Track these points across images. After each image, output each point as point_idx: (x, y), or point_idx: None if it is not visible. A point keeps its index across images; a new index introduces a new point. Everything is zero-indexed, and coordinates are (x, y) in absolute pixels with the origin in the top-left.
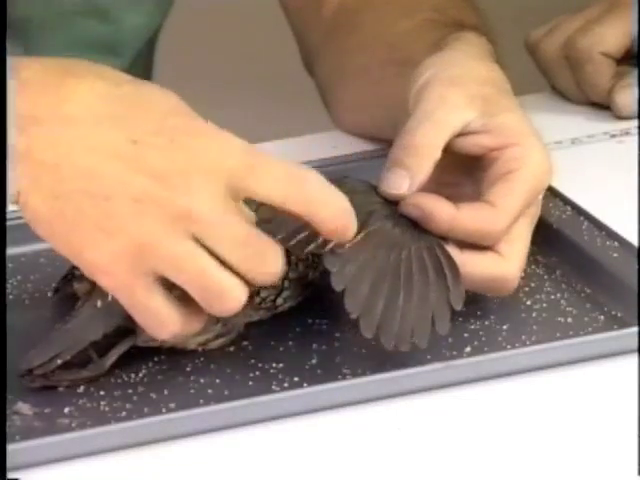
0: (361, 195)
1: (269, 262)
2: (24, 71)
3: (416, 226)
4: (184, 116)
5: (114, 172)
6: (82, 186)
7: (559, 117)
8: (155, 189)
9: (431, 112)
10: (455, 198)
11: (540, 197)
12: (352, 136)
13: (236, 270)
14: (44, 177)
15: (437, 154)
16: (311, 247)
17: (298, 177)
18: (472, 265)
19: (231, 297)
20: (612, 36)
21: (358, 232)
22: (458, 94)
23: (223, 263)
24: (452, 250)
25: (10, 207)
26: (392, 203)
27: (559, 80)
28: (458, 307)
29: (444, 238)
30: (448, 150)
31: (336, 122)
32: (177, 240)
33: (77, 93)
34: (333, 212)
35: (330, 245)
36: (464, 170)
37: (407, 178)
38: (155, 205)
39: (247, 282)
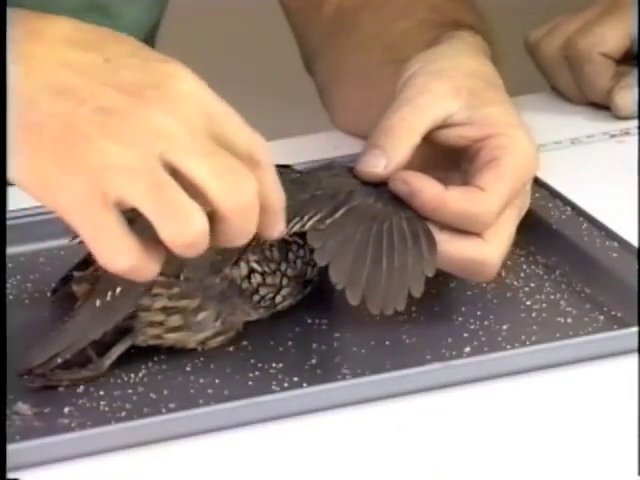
0: (343, 178)
1: (245, 184)
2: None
3: (397, 202)
4: (156, 52)
5: (82, 85)
6: (48, 100)
7: (559, 117)
8: (124, 101)
9: (412, 98)
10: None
11: (529, 190)
12: (353, 136)
13: (205, 189)
14: (10, 91)
15: (415, 138)
16: (295, 227)
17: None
18: (452, 244)
19: (189, 218)
20: (612, 37)
21: (339, 209)
22: (443, 84)
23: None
24: (432, 228)
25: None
26: (372, 184)
27: (559, 80)
28: (430, 274)
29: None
30: (433, 143)
31: (334, 122)
32: (140, 153)
33: (51, 21)
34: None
35: (311, 222)
36: (450, 164)
37: (383, 158)
38: (121, 115)
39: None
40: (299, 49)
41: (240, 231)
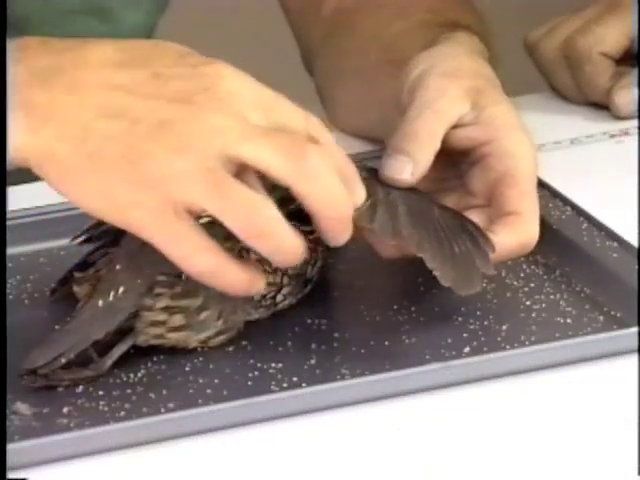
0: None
1: (313, 163)
2: (36, 45)
3: (417, 194)
4: (197, 54)
5: (136, 103)
6: (106, 124)
7: (558, 117)
8: (178, 110)
9: (432, 101)
10: (441, 193)
11: None
12: (352, 136)
13: (271, 171)
14: (68, 122)
15: (438, 143)
16: None
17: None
18: (506, 243)
19: (256, 208)
20: (611, 36)
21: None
22: (455, 86)
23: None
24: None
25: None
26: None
27: (558, 80)
28: (493, 252)
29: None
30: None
31: (333, 122)
32: (199, 157)
33: (97, 46)
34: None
35: None
36: (448, 164)
37: (409, 164)
38: (178, 125)
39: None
40: (299, 49)
41: (327, 198)
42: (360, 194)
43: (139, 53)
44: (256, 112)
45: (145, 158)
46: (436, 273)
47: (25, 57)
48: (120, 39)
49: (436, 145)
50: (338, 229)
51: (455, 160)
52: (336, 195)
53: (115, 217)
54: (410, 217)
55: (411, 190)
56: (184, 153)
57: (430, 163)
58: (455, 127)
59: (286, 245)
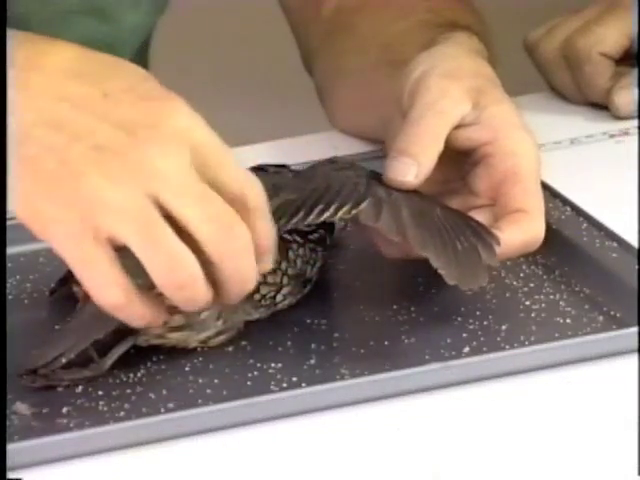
0: (349, 171)
1: (236, 228)
2: (10, 39)
3: (417, 195)
4: (157, 84)
5: (77, 119)
6: (43, 133)
7: (558, 117)
8: (117, 138)
9: (434, 102)
10: (445, 195)
11: None
12: (351, 136)
13: (195, 234)
14: (11, 119)
15: (441, 145)
16: (324, 214)
17: (228, 222)
18: (512, 239)
19: (179, 262)
20: (611, 36)
21: (363, 199)
22: (456, 87)
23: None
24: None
25: (10, 207)
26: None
27: (558, 80)
28: (499, 244)
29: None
30: None
31: (332, 122)
32: (132, 193)
33: (54, 48)
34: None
35: (341, 212)
36: (450, 166)
37: (413, 166)
38: (114, 154)
39: (213, 263)
40: (299, 49)
41: (237, 277)
42: (266, 266)
43: (96, 67)
44: (196, 162)
45: (77, 178)
46: (441, 272)
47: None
48: (85, 47)
49: (439, 146)
50: (233, 297)
51: (458, 161)
52: (246, 275)
53: (36, 228)
54: (413, 218)
55: (414, 192)
56: (118, 184)
57: (434, 164)
58: (457, 127)
59: (199, 299)
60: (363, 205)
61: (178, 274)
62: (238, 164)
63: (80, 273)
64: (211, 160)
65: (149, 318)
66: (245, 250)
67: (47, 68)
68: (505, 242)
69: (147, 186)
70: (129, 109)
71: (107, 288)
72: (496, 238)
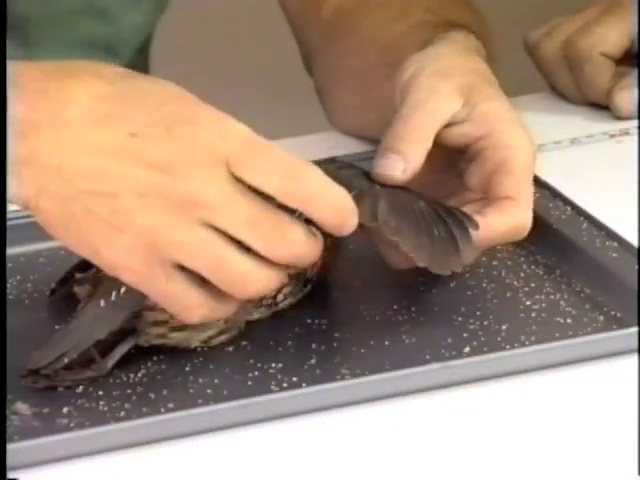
0: (349, 170)
1: (289, 236)
2: (23, 77)
3: (410, 191)
4: (178, 103)
5: (116, 168)
6: (87, 186)
7: (558, 117)
8: (158, 180)
9: (423, 101)
10: (442, 197)
11: None
12: (351, 136)
13: (257, 252)
14: (50, 181)
15: (429, 142)
16: None
17: (297, 170)
18: (493, 220)
19: (250, 280)
20: (612, 37)
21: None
22: (446, 85)
23: (243, 247)
24: (478, 218)
25: (10, 207)
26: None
27: (558, 80)
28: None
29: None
30: (432, 146)
31: (332, 122)
32: (187, 228)
33: (75, 96)
34: (328, 208)
35: None
36: (445, 168)
37: (401, 162)
38: (160, 196)
39: (274, 263)
40: (299, 49)
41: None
42: (350, 227)
43: (117, 104)
44: (235, 168)
45: (132, 226)
46: (411, 254)
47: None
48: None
49: (428, 144)
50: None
51: (453, 162)
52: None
53: (115, 275)
54: (389, 206)
55: (400, 188)
56: (171, 224)
57: (422, 161)
58: (449, 125)
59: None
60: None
61: (249, 290)
62: (273, 153)
63: (164, 304)
64: (244, 163)
65: (232, 309)
66: (305, 249)
67: (67, 121)
68: (488, 227)
69: (198, 217)
70: (158, 146)
71: (192, 311)
72: (475, 223)
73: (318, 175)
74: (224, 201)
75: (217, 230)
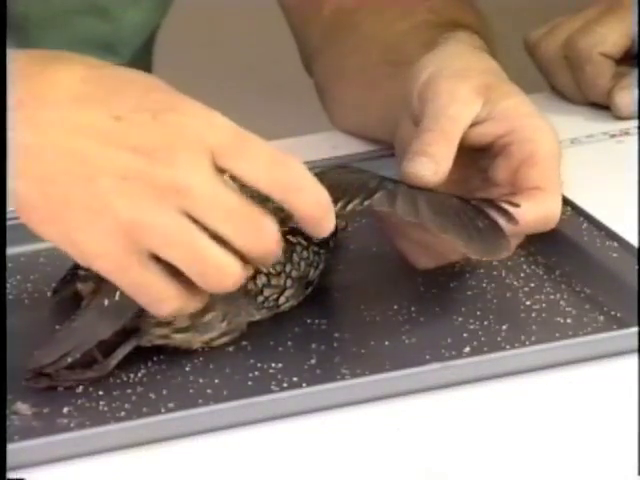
0: (360, 174)
1: (264, 233)
2: (12, 63)
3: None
4: (165, 92)
5: (97, 151)
6: (67, 167)
7: (558, 117)
8: (140, 165)
9: (445, 107)
10: (465, 194)
11: None
12: (352, 136)
13: (232, 245)
14: (28, 160)
15: (455, 148)
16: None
17: (282, 162)
18: (526, 213)
19: (226, 273)
20: (612, 36)
21: (375, 193)
22: (465, 87)
23: (217, 239)
24: (510, 209)
25: (10, 207)
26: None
27: (559, 80)
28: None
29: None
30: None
31: (333, 122)
32: (166, 215)
33: (58, 77)
34: (310, 200)
35: (351, 205)
36: (468, 164)
37: (431, 164)
38: (141, 181)
39: (245, 259)
40: (299, 49)
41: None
42: (327, 230)
43: (102, 87)
44: (220, 159)
45: (111, 210)
46: (465, 249)
47: None
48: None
49: (454, 149)
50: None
51: (475, 159)
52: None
53: (79, 259)
54: (429, 204)
55: (427, 189)
56: (151, 210)
57: (450, 166)
58: (472, 126)
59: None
60: (377, 195)
61: (226, 283)
62: (259, 145)
63: (134, 295)
64: (231, 154)
65: (203, 302)
66: (275, 246)
67: (52, 100)
68: (520, 216)
69: (178, 205)
70: (142, 131)
71: (164, 304)
72: (515, 203)
73: (302, 168)
74: (205, 190)
75: (195, 222)
